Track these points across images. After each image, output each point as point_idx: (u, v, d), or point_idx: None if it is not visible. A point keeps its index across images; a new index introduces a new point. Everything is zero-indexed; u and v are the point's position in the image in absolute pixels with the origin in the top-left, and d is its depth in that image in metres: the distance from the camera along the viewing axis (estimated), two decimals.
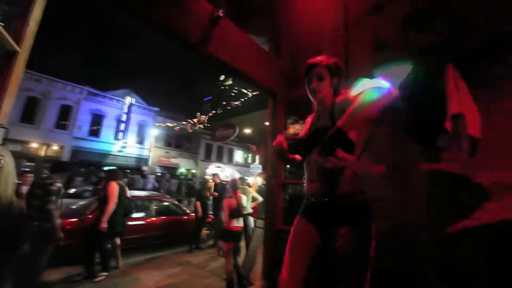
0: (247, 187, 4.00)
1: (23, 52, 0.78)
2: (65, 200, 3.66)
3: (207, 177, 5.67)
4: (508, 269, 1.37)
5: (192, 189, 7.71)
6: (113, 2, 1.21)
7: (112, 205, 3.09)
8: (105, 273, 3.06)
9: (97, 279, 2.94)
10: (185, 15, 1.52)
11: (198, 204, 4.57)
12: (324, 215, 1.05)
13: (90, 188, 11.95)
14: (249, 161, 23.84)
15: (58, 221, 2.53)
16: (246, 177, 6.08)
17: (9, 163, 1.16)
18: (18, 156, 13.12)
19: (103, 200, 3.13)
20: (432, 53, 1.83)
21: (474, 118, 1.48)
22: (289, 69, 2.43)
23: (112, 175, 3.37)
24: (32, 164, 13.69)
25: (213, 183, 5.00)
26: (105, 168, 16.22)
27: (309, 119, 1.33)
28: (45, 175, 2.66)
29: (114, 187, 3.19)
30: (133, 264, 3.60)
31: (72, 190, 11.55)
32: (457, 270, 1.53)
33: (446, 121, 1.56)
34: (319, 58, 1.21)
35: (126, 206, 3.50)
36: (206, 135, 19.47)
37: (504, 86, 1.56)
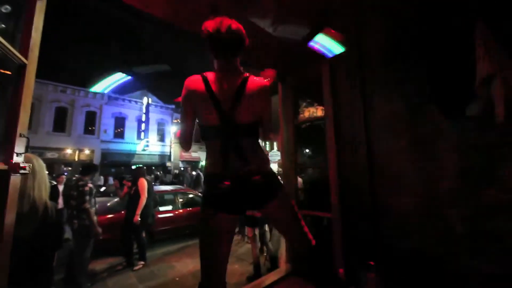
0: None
1: (31, 63, 0.81)
2: (100, 198, 3.96)
3: None
4: None
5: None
6: None
7: (144, 199, 3.31)
8: (143, 262, 3.33)
9: (136, 268, 3.21)
10: (184, 6, 1.49)
11: None
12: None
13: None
14: (267, 148, 23.90)
15: (95, 218, 2.76)
16: None
17: (40, 169, 1.26)
18: (56, 162, 14.43)
19: (134, 196, 3.35)
20: (458, 6, 1.62)
21: (509, 78, 1.30)
22: (296, 49, 2.32)
23: (139, 172, 3.58)
24: (69, 168, 15.01)
25: None
26: (133, 167, 17.34)
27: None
28: (78, 178, 2.89)
29: (144, 183, 3.40)
30: (167, 253, 3.88)
31: (102, 189, 12.48)
32: (494, 247, 1.43)
33: (476, 85, 1.40)
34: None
35: (154, 199, 3.76)
36: None
37: None
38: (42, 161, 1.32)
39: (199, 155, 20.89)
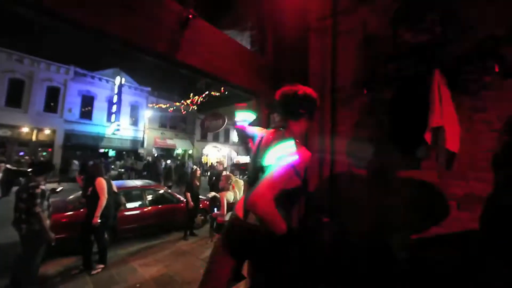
0: (239, 180, 4.05)
1: None
2: (65, 185, 3.61)
3: (194, 166, 5.72)
4: (472, 272, 1.45)
5: (183, 176, 7.70)
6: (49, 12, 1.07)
7: (103, 200, 3.12)
8: (102, 265, 3.20)
9: (94, 271, 3.09)
10: (149, 22, 1.37)
11: (188, 195, 4.65)
12: None
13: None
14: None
15: (47, 222, 2.57)
16: (241, 157, 6.19)
17: None
18: (9, 141, 12.97)
19: (92, 196, 3.15)
20: (421, 54, 1.72)
21: (454, 132, 1.44)
22: (272, 66, 2.29)
23: (96, 171, 3.34)
24: (26, 148, 13.60)
25: (199, 172, 5.13)
26: (101, 150, 16.22)
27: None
28: (29, 179, 2.63)
29: (102, 183, 3.19)
30: (130, 254, 3.77)
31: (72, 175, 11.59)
32: (424, 272, 1.62)
33: (426, 132, 1.52)
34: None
35: (115, 200, 3.56)
36: (201, 115, 19.13)
37: (488, 95, 1.49)
38: None
39: (175, 142, 20.22)
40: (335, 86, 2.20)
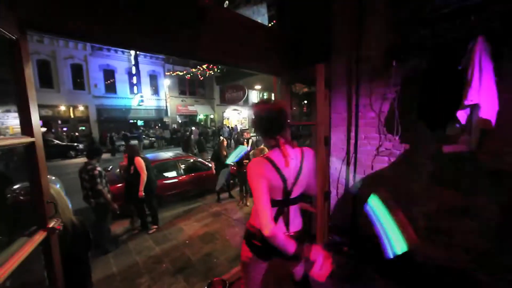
0: (264, 147, 4.24)
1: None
2: (106, 155, 4.09)
3: (221, 138, 5.95)
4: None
5: (202, 145, 8.00)
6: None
7: (144, 177, 3.57)
8: (156, 226, 3.86)
9: (150, 231, 3.76)
10: (165, 21, 1.38)
11: (213, 165, 5.07)
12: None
13: (124, 143, 13.01)
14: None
15: (109, 196, 3.10)
16: None
17: (59, 196, 1.43)
18: (52, 120, 14.36)
19: (134, 175, 3.58)
20: (462, 17, 1.51)
21: (491, 110, 1.36)
22: (293, 41, 2.17)
23: (133, 151, 3.72)
24: (67, 124, 15.05)
25: (226, 142, 5.38)
26: (131, 121, 17.32)
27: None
28: (86, 162, 3.08)
29: (140, 162, 3.59)
30: (174, 216, 4.44)
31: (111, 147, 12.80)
32: (444, 241, 1.76)
33: (459, 110, 1.46)
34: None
35: (152, 173, 4.00)
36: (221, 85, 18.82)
37: None
38: (56, 185, 1.48)
39: (196, 108, 20.66)
40: (361, 56, 2.07)
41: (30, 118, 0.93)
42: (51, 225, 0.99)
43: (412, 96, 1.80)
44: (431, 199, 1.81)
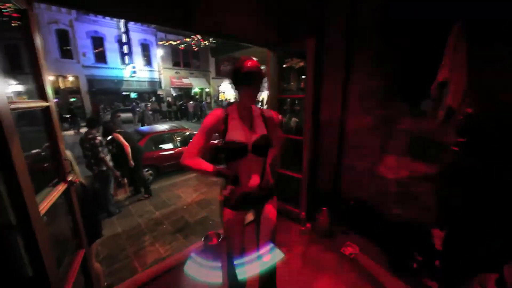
0: None
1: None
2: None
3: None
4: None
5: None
6: None
7: (128, 149, 3.66)
8: (147, 195, 4.11)
9: (142, 198, 4.03)
10: None
11: None
12: (260, 198, 1.32)
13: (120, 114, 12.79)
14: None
15: (111, 164, 3.28)
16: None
17: (71, 156, 1.59)
18: None
19: (118, 150, 3.70)
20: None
21: (459, 88, 1.51)
22: (286, 14, 2.19)
23: (109, 129, 3.74)
24: (58, 95, 14.63)
25: None
26: (124, 93, 16.91)
27: (234, 116, 1.23)
28: (87, 131, 3.19)
29: (119, 136, 3.65)
30: (173, 185, 4.71)
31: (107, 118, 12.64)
32: (411, 202, 2.03)
33: (433, 85, 1.60)
34: (260, 67, 1.18)
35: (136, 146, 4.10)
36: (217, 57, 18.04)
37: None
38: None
39: (191, 81, 20.12)
40: (353, 30, 2.13)
41: (44, 85, 1.04)
42: (69, 178, 1.16)
43: (396, 72, 1.92)
44: (402, 168, 2.04)
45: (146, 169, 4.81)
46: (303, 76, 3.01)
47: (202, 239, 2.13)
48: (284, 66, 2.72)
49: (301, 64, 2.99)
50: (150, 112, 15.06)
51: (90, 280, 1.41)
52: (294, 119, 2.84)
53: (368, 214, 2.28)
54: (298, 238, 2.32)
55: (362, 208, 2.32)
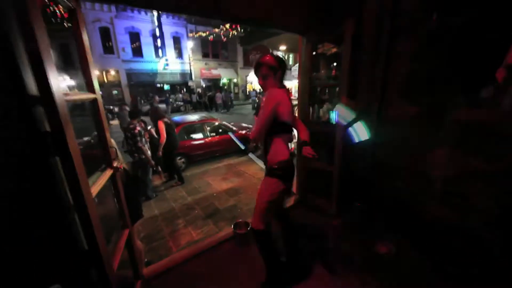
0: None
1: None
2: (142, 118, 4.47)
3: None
4: None
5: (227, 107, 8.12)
6: None
7: (162, 140, 3.86)
8: (179, 182, 4.36)
9: (174, 184, 4.30)
10: None
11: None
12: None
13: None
14: (290, 63, 22.22)
15: (149, 153, 3.54)
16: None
17: (115, 144, 1.74)
18: None
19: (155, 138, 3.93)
20: None
21: None
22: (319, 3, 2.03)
23: (157, 114, 3.98)
24: (102, 88, 16.12)
25: None
26: (158, 86, 17.95)
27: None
28: (129, 122, 3.48)
29: (161, 125, 3.87)
30: (203, 172, 4.93)
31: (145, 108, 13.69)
32: (461, 203, 1.81)
33: (499, 69, 1.37)
34: (263, 58, 1.45)
35: (174, 136, 4.26)
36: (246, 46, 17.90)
37: None
38: None
39: (219, 72, 20.44)
40: (397, 10, 1.90)
41: (91, 79, 1.13)
42: (115, 164, 1.27)
43: (443, 56, 1.67)
44: (452, 164, 1.81)
45: (179, 157, 5.10)
46: (334, 64, 2.81)
47: (232, 227, 2.20)
48: (315, 53, 2.57)
49: (334, 50, 2.79)
50: (182, 103, 15.82)
51: (134, 255, 1.56)
52: (326, 106, 2.69)
53: (407, 213, 2.11)
54: (329, 232, 2.26)
55: (400, 206, 2.15)
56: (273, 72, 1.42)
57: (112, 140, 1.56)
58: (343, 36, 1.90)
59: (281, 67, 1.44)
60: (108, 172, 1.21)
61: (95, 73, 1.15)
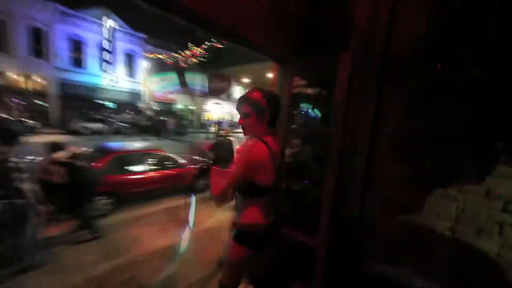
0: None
1: None
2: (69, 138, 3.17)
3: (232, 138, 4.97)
4: None
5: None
6: None
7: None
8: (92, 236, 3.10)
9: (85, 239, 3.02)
10: None
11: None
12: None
13: (87, 125, 11.75)
14: None
15: (32, 196, 2.31)
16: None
17: None
18: (1, 90, 12.23)
19: None
20: None
21: None
22: (306, 18, 1.66)
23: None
24: (21, 97, 12.91)
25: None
26: (98, 101, 15.50)
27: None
28: None
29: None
30: (134, 219, 3.74)
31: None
32: None
33: None
34: (248, 93, 1.20)
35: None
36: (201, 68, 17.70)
37: None
38: None
39: (175, 97, 19.35)
40: (389, 52, 1.62)
41: None
42: None
43: (455, 109, 1.39)
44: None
45: (105, 197, 3.81)
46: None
47: None
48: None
49: (308, 91, 2.43)
50: (127, 126, 13.89)
51: None
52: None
53: None
54: None
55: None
56: (256, 112, 1.11)
57: None
58: (339, 68, 1.49)
59: (270, 106, 1.13)
60: None
61: None
